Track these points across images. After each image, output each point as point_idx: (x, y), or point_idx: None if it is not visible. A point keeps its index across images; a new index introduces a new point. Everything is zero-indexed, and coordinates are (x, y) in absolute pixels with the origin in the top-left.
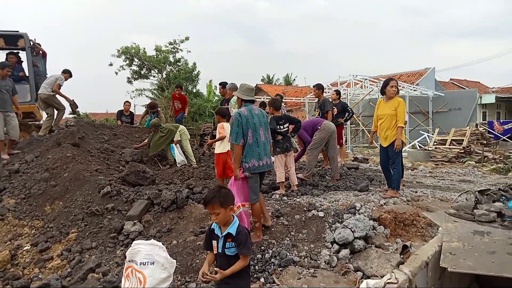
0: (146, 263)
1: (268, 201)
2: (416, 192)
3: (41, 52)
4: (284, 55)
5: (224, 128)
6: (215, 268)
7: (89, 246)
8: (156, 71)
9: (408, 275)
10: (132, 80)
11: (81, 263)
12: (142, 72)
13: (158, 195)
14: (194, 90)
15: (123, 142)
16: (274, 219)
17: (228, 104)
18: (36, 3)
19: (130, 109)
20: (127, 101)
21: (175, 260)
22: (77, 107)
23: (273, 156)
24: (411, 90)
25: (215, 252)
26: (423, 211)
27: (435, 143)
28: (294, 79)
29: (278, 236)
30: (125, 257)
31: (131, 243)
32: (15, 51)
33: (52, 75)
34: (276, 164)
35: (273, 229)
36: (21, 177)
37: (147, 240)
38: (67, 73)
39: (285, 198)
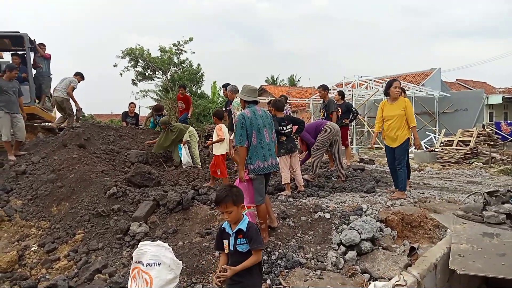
0: (153, 264)
1: (274, 203)
2: (423, 193)
3: (45, 53)
4: (284, 55)
5: (222, 130)
6: (223, 266)
7: (95, 247)
8: (161, 73)
9: (416, 277)
10: (137, 82)
11: (87, 264)
12: (147, 74)
13: (164, 196)
14: (199, 91)
15: (128, 144)
16: (280, 221)
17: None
18: (36, 3)
19: (135, 111)
20: (132, 103)
21: (181, 262)
22: (83, 114)
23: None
24: (416, 90)
25: (226, 251)
26: (431, 212)
27: (442, 144)
28: (299, 80)
29: (284, 238)
30: (132, 258)
31: (137, 244)
32: (20, 52)
33: (66, 78)
34: (281, 165)
35: (279, 231)
36: (27, 178)
37: (153, 241)
38: (79, 76)
39: (291, 199)
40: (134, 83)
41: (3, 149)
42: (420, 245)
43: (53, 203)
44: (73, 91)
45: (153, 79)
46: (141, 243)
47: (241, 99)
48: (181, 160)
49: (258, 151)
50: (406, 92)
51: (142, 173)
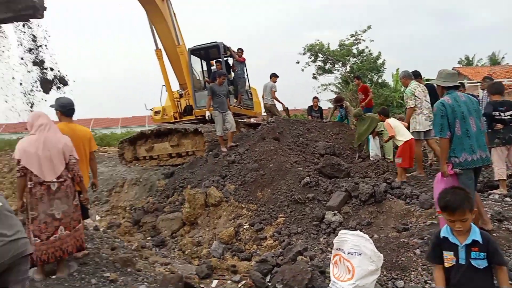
0: (354, 253)
1: (485, 202)
2: None
3: (240, 57)
4: (482, 30)
5: (391, 125)
6: None
7: (295, 231)
8: (340, 65)
9: None
10: (317, 76)
11: (290, 245)
12: (326, 67)
13: (355, 188)
14: (380, 81)
15: (315, 136)
16: (495, 223)
17: None
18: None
19: (318, 104)
20: (315, 97)
21: (382, 255)
22: (289, 112)
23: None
24: None
25: (448, 265)
26: None
27: None
28: (503, 57)
29: (502, 243)
30: (329, 245)
31: (333, 232)
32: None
33: (267, 85)
34: (494, 158)
35: (494, 234)
36: (236, 166)
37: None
38: (274, 76)
39: (507, 199)
40: (314, 77)
41: (217, 142)
42: None
43: (258, 189)
44: (275, 94)
45: (333, 72)
46: (341, 231)
47: (438, 85)
48: (370, 153)
49: (464, 142)
50: None
51: (332, 164)
